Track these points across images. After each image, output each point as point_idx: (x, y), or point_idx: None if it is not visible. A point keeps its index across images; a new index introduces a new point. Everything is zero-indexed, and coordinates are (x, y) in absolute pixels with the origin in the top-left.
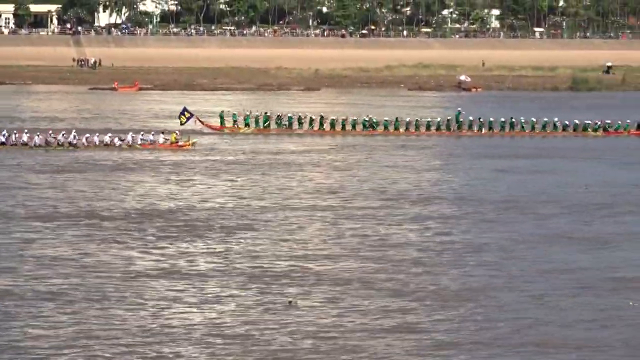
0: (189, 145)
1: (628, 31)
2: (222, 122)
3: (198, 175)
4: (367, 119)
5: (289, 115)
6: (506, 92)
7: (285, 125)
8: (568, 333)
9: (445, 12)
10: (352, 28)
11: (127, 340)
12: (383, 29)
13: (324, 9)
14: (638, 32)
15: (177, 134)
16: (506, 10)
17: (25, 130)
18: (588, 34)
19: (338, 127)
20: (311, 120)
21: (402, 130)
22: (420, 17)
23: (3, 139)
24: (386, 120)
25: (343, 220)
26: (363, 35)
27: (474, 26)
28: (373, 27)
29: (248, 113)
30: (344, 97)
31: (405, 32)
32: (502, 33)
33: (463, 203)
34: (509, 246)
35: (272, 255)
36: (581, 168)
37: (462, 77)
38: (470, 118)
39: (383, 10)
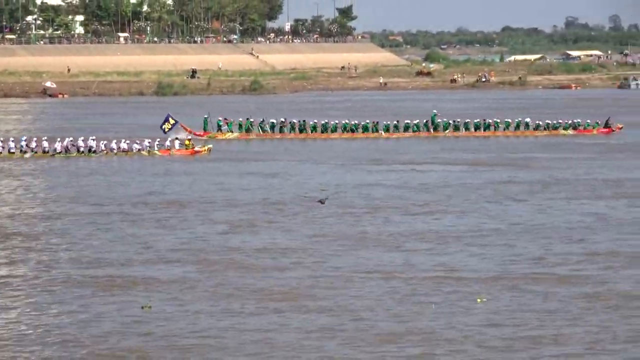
0: (204, 150)
1: (212, 35)
2: (205, 128)
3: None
4: (346, 122)
5: (272, 120)
6: (92, 98)
7: (267, 130)
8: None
9: (29, 18)
10: None
11: None
12: None
13: None
14: (223, 35)
15: (190, 140)
16: (90, 15)
17: (45, 138)
18: (173, 39)
19: (319, 131)
20: (292, 125)
21: (383, 132)
22: (4, 23)
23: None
24: (366, 123)
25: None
26: None
27: (59, 32)
28: None
29: (231, 120)
30: None
31: None
32: (87, 39)
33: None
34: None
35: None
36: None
37: (48, 84)
38: (446, 119)
39: None
